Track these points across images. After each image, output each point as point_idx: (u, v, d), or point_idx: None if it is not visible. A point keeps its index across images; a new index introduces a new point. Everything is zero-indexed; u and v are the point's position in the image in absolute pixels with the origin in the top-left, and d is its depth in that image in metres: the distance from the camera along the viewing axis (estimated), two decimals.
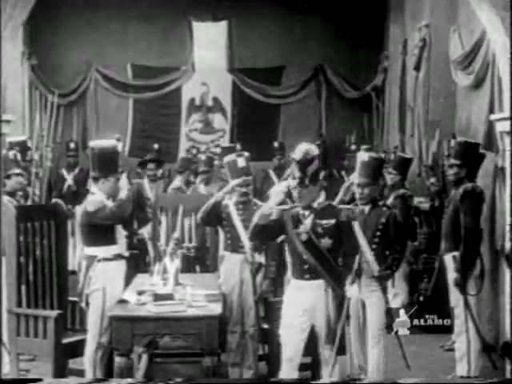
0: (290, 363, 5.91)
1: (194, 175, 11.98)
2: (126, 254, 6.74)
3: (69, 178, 12.43)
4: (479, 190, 7.30)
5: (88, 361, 6.44)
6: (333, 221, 5.93)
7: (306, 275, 5.91)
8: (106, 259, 6.53)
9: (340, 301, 5.88)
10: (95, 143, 6.88)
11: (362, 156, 6.70)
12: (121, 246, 6.66)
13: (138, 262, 8.76)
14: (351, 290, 6.15)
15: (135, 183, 9.75)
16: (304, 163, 5.90)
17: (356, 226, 6.29)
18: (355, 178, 6.66)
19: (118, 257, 6.62)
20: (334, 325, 5.83)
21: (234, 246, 7.10)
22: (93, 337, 6.44)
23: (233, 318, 7.11)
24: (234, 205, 7.20)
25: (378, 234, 6.47)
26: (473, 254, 7.20)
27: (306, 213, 5.95)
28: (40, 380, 5.92)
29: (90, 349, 6.44)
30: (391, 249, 6.47)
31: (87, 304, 6.52)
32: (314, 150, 5.96)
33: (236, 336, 7.12)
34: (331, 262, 5.88)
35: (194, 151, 13.48)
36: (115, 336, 5.95)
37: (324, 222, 5.91)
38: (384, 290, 6.38)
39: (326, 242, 5.88)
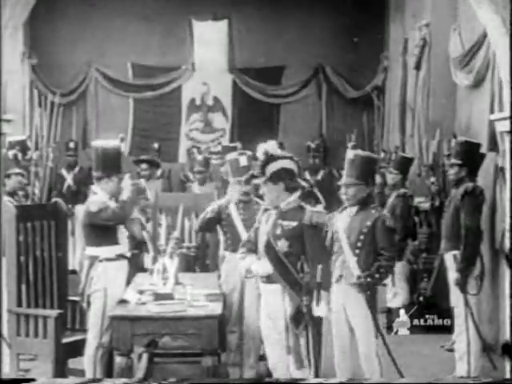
0: (275, 373, 5.85)
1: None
2: (128, 254, 6.73)
3: (68, 178, 12.42)
4: (480, 189, 7.29)
5: (88, 361, 6.44)
6: (294, 223, 5.73)
7: (262, 278, 5.85)
8: (107, 259, 6.52)
9: (298, 309, 5.68)
10: (98, 143, 6.86)
11: (348, 154, 6.32)
12: (123, 246, 6.65)
13: (138, 261, 8.77)
14: (320, 309, 5.73)
15: (134, 183, 9.76)
16: (263, 162, 5.86)
17: (340, 229, 6.12)
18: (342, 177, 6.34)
19: (120, 257, 6.61)
20: (285, 333, 5.72)
21: (235, 245, 7.04)
22: (93, 337, 6.44)
23: (232, 318, 7.10)
24: (235, 204, 7.18)
25: (362, 237, 6.05)
26: (473, 253, 7.18)
27: (274, 213, 5.86)
28: (33, 380, 5.92)
29: (90, 349, 6.43)
30: (378, 255, 6.03)
31: (88, 304, 6.51)
32: (275, 151, 5.87)
33: (236, 336, 7.12)
34: (288, 266, 5.71)
35: (195, 151, 13.48)
36: (115, 336, 5.94)
37: (285, 223, 5.74)
38: (372, 297, 6.01)
39: (282, 244, 5.72)
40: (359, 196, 6.15)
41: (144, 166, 10.72)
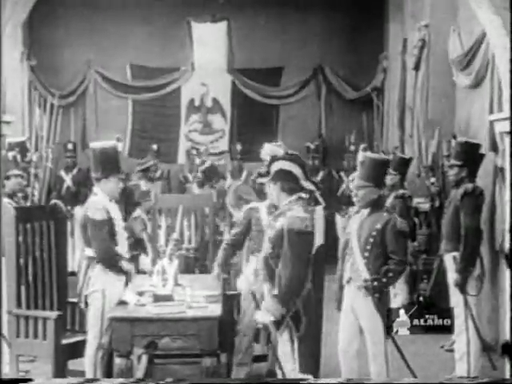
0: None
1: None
2: (127, 255, 6.71)
3: (67, 179, 12.44)
4: (480, 190, 7.27)
5: (88, 362, 6.43)
6: (279, 226, 5.59)
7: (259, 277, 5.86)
8: None
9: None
10: (96, 144, 6.88)
11: (359, 156, 6.45)
12: (121, 248, 6.64)
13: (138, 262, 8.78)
14: (258, 314, 5.57)
15: (134, 184, 9.80)
16: (268, 162, 5.83)
17: (353, 231, 6.11)
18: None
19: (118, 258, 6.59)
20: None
21: (259, 248, 6.96)
22: (93, 338, 6.43)
23: (245, 321, 7.04)
24: (267, 208, 7.08)
25: (371, 240, 6.00)
26: (473, 254, 7.17)
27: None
28: (31, 380, 5.91)
29: (90, 350, 6.43)
30: (387, 258, 5.98)
31: (86, 305, 6.51)
32: (276, 151, 5.81)
33: (248, 339, 7.06)
34: (273, 268, 5.59)
35: (194, 152, 13.49)
36: (115, 337, 5.93)
37: (277, 225, 5.62)
38: (380, 300, 5.96)
39: (267, 246, 5.64)
40: (369, 198, 6.12)
41: (153, 168, 10.83)
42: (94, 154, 6.66)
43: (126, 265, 6.59)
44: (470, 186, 7.24)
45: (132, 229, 8.56)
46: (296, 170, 5.69)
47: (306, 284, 5.49)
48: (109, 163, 6.57)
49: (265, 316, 5.50)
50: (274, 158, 5.80)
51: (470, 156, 7.37)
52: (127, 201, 9.16)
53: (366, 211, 6.14)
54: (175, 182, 13.29)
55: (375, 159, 6.33)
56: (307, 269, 5.49)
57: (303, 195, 5.61)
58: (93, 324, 6.44)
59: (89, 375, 6.39)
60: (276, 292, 5.44)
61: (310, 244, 5.51)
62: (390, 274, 5.97)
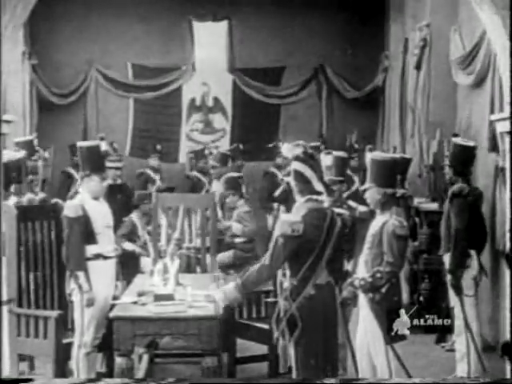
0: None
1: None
2: (111, 254, 6.69)
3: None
4: (466, 191, 7.22)
5: (73, 360, 6.45)
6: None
7: None
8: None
9: (277, 312, 5.51)
10: (81, 143, 7.05)
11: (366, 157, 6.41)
12: (102, 246, 6.63)
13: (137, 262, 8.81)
14: None
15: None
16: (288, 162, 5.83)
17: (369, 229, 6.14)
18: None
19: (99, 256, 6.59)
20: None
21: None
22: (76, 336, 6.46)
23: None
24: None
25: (370, 239, 6.02)
26: (462, 254, 7.15)
27: None
28: (31, 380, 5.92)
29: (75, 347, 6.47)
30: (381, 259, 5.93)
31: (71, 302, 6.56)
32: (290, 151, 5.74)
33: None
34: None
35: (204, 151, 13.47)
36: (116, 336, 5.94)
37: None
38: (374, 299, 5.90)
39: None
40: (374, 199, 6.09)
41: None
42: (80, 152, 6.78)
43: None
44: (456, 186, 7.24)
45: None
46: (308, 171, 5.57)
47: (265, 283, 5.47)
48: (91, 162, 6.66)
49: (221, 300, 5.50)
50: (290, 158, 5.72)
51: (459, 157, 7.37)
52: (123, 202, 9.18)
53: (378, 211, 6.11)
54: (177, 182, 13.26)
55: (375, 160, 6.23)
56: (274, 272, 5.44)
57: (314, 197, 5.53)
58: (75, 321, 6.48)
59: (74, 373, 6.41)
60: (239, 281, 5.40)
61: (292, 248, 5.35)
62: (378, 275, 5.89)
